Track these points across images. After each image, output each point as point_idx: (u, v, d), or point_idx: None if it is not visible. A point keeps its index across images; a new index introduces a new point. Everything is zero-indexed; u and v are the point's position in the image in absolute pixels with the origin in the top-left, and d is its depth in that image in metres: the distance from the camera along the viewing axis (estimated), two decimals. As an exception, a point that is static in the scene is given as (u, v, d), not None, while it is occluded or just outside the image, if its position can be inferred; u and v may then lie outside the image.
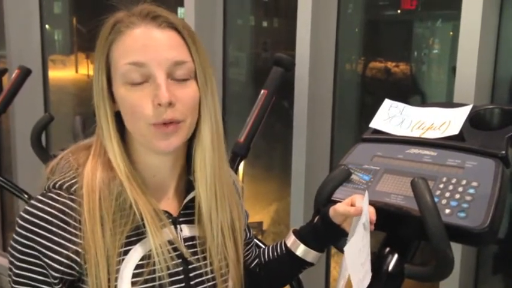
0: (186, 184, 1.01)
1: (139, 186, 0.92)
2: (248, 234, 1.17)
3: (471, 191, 1.07)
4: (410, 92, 2.06)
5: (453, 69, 1.59)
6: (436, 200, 1.01)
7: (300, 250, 1.13)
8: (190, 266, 0.97)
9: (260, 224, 2.67)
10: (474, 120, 1.27)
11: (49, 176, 0.94)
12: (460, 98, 1.52)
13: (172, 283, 0.93)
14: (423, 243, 1.15)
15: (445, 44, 1.92)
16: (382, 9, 2.12)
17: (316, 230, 1.12)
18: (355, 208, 1.01)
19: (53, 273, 0.87)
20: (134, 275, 0.91)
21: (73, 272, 0.88)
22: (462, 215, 1.03)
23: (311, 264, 1.15)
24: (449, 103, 1.47)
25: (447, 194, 1.08)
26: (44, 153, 2.09)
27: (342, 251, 0.97)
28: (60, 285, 0.88)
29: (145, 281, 0.91)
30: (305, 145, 2.00)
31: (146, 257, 0.92)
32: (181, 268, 0.95)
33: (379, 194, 1.14)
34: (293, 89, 2.00)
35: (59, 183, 0.91)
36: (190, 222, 1.00)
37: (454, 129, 1.23)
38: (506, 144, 1.16)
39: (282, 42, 2.47)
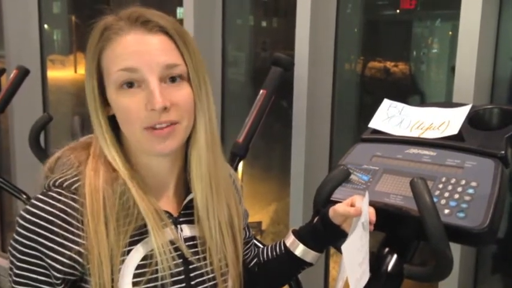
0: (186, 184, 1.01)
1: (140, 186, 0.92)
2: (248, 234, 1.17)
3: (470, 191, 1.07)
4: (410, 92, 2.06)
5: (452, 69, 1.59)
6: (435, 200, 1.01)
7: (299, 250, 1.13)
8: (191, 266, 0.97)
9: (259, 224, 2.67)
10: (473, 120, 1.27)
11: (48, 174, 0.94)
12: (459, 97, 1.52)
13: (173, 283, 0.93)
14: (422, 243, 1.15)
15: (444, 44, 1.92)
16: (381, 9, 2.12)
17: (315, 230, 1.12)
18: (355, 208, 1.01)
19: (55, 274, 0.87)
20: (135, 275, 0.90)
21: (75, 272, 0.88)
22: (461, 215, 1.03)
23: (310, 264, 1.15)
24: (448, 103, 1.47)
25: (446, 194, 1.08)
26: (43, 153, 2.09)
27: (341, 252, 0.96)
28: (62, 286, 0.88)
29: (146, 281, 0.91)
30: (304, 145, 2.00)
31: (147, 257, 0.92)
32: (182, 268, 0.95)
33: (378, 194, 1.14)
34: (292, 89, 2.00)
35: (60, 181, 0.91)
36: (190, 222, 1.00)
37: (453, 129, 1.22)
38: (506, 144, 1.16)
39: (281, 42, 2.47)
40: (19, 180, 3.15)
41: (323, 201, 1.17)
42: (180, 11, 2.42)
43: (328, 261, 2.23)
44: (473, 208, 1.03)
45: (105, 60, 0.89)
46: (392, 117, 1.34)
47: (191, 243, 0.98)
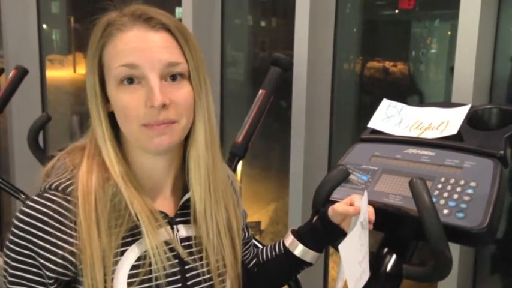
0: (183, 184, 1.00)
1: (135, 186, 0.92)
2: (246, 234, 1.17)
3: (469, 191, 1.07)
4: (409, 92, 2.06)
5: (451, 69, 1.59)
6: (434, 200, 1.01)
7: (298, 250, 1.13)
8: (186, 267, 0.97)
9: (258, 223, 2.67)
10: (472, 120, 1.27)
11: (45, 178, 0.94)
12: (458, 97, 1.52)
13: (169, 284, 0.93)
14: (421, 243, 1.15)
15: (443, 44, 1.92)
16: (380, 8, 2.12)
17: (314, 229, 1.12)
18: (354, 208, 1.01)
19: (48, 274, 0.87)
20: (130, 276, 0.90)
21: (68, 273, 0.88)
22: (460, 215, 1.03)
23: (309, 264, 1.15)
24: (447, 103, 1.47)
25: (445, 194, 1.08)
26: (41, 154, 2.09)
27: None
28: (55, 286, 0.88)
29: (141, 282, 0.91)
30: (303, 145, 2.00)
31: (142, 257, 0.91)
32: (177, 268, 0.95)
33: (378, 194, 1.14)
34: (291, 89, 2.00)
35: (55, 184, 0.91)
36: (186, 222, 0.99)
37: (453, 129, 1.23)
38: (505, 144, 1.16)
39: (280, 41, 2.47)
40: (18, 180, 3.15)
41: (322, 201, 1.17)
42: (179, 11, 2.42)
43: (327, 261, 2.23)
44: (473, 208, 1.03)
45: (106, 55, 0.89)
46: (391, 117, 1.34)
47: (187, 243, 0.98)
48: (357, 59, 2.15)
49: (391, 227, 1.12)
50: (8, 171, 3.31)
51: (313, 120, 2.01)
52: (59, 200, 0.89)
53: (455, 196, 1.07)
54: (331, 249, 2.14)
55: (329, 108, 2.08)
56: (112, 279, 0.89)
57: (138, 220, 0.90)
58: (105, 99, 0.92)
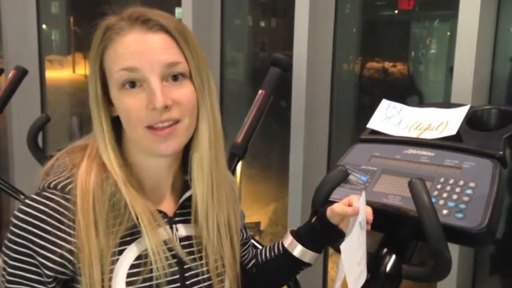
0: (182, 183, 1.01)
1: (134, 187, 0.92)
2: (245, 235, 1.17)
3: (469, 191, 1.07)
4: (408, 92, 2.06)
5: (450, 70, 1.59)
6: (433, 200, 1.01)
7: (297, 250, 1.13)
8: (185, 266, 0.97)
9: (258, 224, 2.67)
10: (472, 121, 1.27)
11: (44, 177, 0.94)
12: (457, 98, 1.52)
13: (168, 283, 0.93)
14: (421, 243, 1.14)
15: (442, 44, 1.92)
16: (379, 9, 2.12)
17: (313, 230, 1.12)
18: (353, 208, 1.01)
19: (47, 272, 0.87)
20: (129, 275, 0.90)
21: (66, 271, 0.88)
22: (460, 215, 1.03)
23: (308, 265, 1.15)
24: (446, 103, 1.47)
25: (445, 195, 1.08)
26: (41, 154, 2.08)
27: (339, 252, 0.96)
28: (53, 285, 0.88)
29: (140, 281, 0.91)
30: (302, 145, 2.00)
31: (141, 256, 0.91)
32: (176, 268, 0.95)
33: (377, 194, 1.14)
34: (291, 89, 2.00)
35: (54, 183, 0.91)
36: (186, 221, 1.00)
37: (452, 130, 1.23)
38: (504, 144, 1.16)
39: (280, 42, 2.47)
40: (17, 181, 3.15)
41: (321, 201, 1.17)
42: (178, 11, 2.42)
43: (326, 261, 2.23)
44: (472, 208, 1.03)
45: (107, 60, 0.90)
46: (390, 117, 1.34)
47: (186, 243, 0.98)
48: (356, 59, 2.15)
49: (390, 227, 1.12)
50: (7, 171, 3.30)
51: (312, 120, 2.01)
52: (57, 198, 0.89)
53: (455, 196, 1.07)
54: (330, 250, 2.14)
55: (328, 108, 2.08)
56: (111, 279, 0.89)
57: (138, 219, 0.90)
58: (109, 102, 0.92)
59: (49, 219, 0.87)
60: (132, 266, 0.91)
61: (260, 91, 1.73)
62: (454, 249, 1.42)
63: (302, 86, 1.95)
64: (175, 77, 0.89)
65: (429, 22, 1.95)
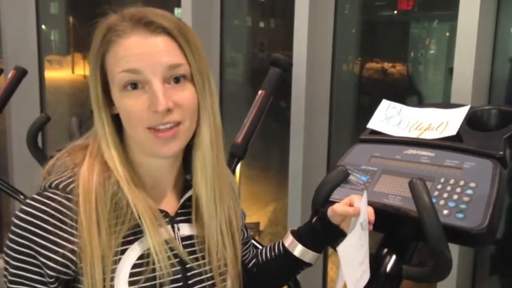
0: (183, 183, 1.01)
1: (136, 186, 0.92)
2: (245, 234, 1.17)
3: (469, 191, 1.07)
4: (407, 93, 2.06)
5: (450, 70, 1.59)
6: (434, 200, 1.01)
7: (298, 250, 1.13)
8: (187, 266, 0.97)
9: (257, 224, 2.66)
10: (472, 121, 1.27)
11: (45, 177, 0.94)
12: (457, 98, 1.52)
13: (170, 283, 0.93)
14: (421, 243, 1.15)
15: (441, 45, 1.92)
16: (378, 9, 2.12)
17: (314, 230, 1.12)
18: (354, 208, 1.01)
19: (49, 272, 0.87)
20: (131, 275, 0.90)
21: (69, 271, 0.88)
22: (460, 215, 1.03)
23: (309, 265, 1.15)
24: (446, 104, 1.47)
25: (445, 195, 1.08)
26: (40, 154, 2.08)
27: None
28: (55, 285, 0.88)
29: (143, 281, 0.91)
30: (302, 145, 2.00)
31: (143, 256, 0.91)
32: (178, 268, 0.95)
33: (377, 194, 1.14)
34: (290, 90, 2.00)
35: (55, 182, 0.91)
36: (187, 221, 1.00)
37: (452, 130, 1.23)
38: (504, 145, 1.16)
39: (279, 42, 2.47)
40: (16, 181, 3.14)
41: (322, 201, 1.17)
42: (178, 12, 2.42)
43: (326, 262, 2.23)
44: (472, 209, 1.03)
45: (108, 61, 0.89)
46: (390, 117, 1.34)
47: (188, 242, 0.98)
48: (355, 60, 2.15)
49: (390, 227, 1.12)
50: (6, 171, 3.30)
51: (312, 120, 2.02)
52: (59, 198, 0.89)
53: (455, 197, 1.07)
54: (330, 250, 2.14)
55: (328, 108, 2.08)
56: (113, 278, 0.89)
57: (140, 219, 0.90)
58: (109, 102, 0.92)
59: (51, 219, 0.87)
60: (135, 266, 0.91)
61: (260, 91, 1.73)
62: (454, 250, 1.42)
63: (302, 87, 1.95)
64: (176, 79, 0.89)
65: (428, 22, 1.95)
